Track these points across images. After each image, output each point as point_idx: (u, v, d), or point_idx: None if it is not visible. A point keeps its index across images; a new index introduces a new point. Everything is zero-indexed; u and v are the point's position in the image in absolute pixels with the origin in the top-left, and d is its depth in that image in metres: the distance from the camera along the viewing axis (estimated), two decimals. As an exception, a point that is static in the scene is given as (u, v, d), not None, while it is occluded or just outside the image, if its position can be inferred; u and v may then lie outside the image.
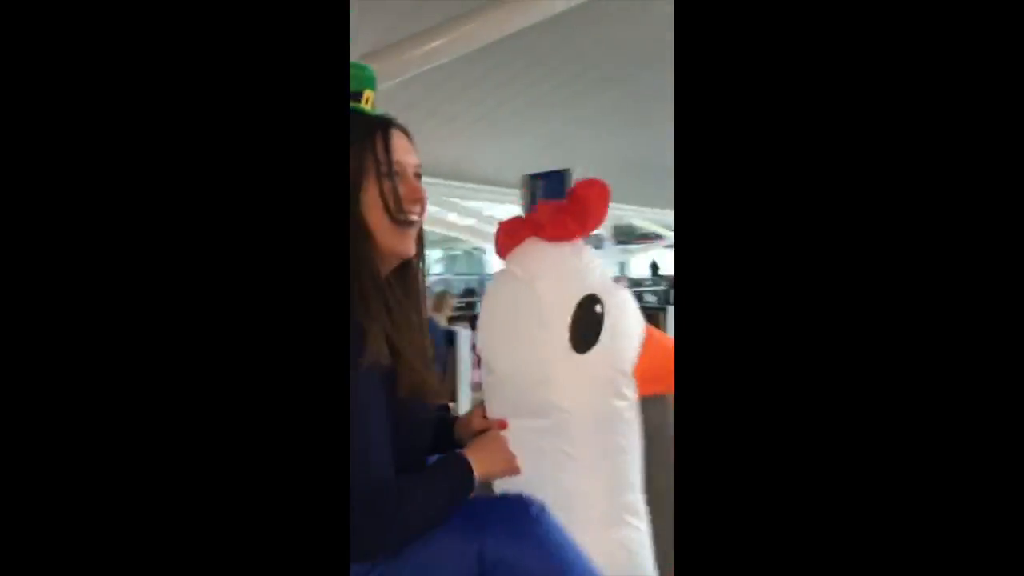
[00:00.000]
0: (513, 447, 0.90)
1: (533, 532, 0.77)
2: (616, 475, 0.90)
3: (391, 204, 0.81)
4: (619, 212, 9.78)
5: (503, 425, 0.92)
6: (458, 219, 9.21)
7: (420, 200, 0.85)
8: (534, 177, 1.99)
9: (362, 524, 0.66)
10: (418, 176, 0.87)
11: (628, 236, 11.52)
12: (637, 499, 0.92)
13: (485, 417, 0.96)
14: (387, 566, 0.73)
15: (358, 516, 0.62)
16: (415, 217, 0.85)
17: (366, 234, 0.81)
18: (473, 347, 2.21)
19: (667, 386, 0.92)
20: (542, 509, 0.80)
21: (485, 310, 0.99)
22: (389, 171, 0.82)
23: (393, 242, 0.83)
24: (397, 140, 0.84)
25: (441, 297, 4.77)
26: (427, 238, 0.92)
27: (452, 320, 4.26)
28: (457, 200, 8.29)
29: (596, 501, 0.89)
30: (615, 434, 0.90)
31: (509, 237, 0.98)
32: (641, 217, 10.61)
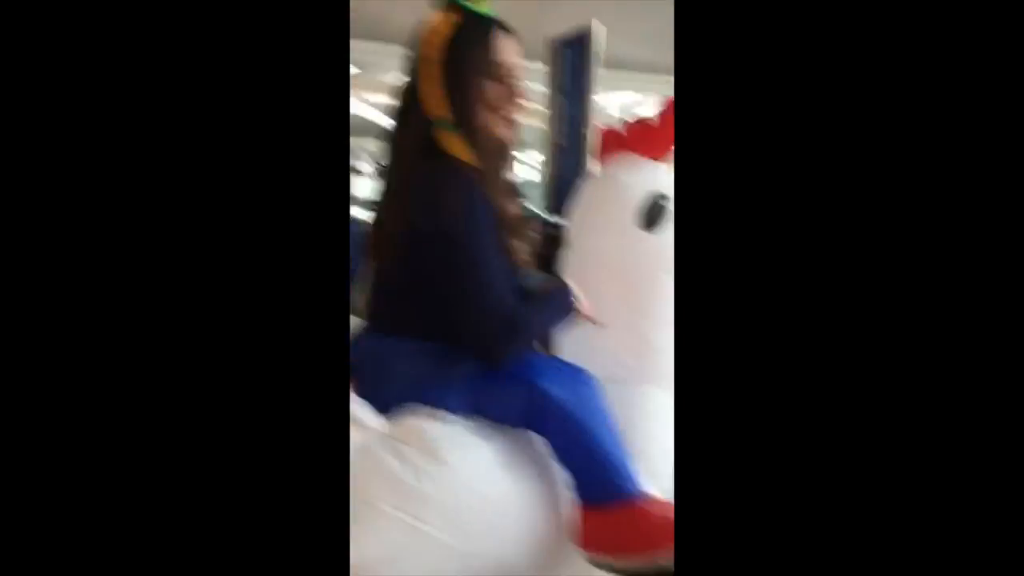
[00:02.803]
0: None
1: (583, 391, 0.92)
2: (652, 339, 1.08)
3: (493, 103, 0.94)
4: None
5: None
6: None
7: (518, 101, 0.98)
8: (564, 45, 1.88)
9: (485, 342, 0.89)
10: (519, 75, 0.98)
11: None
12: (665, 363, 1.03)
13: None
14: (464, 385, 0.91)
15: (481, 335, 0.88)
16: (514, 114, 0.99)
17: (469, 122, 0.93)
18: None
19: None
20: (597, 382, 0.95)
21: (579, 202, 1.19)
22: (491, 72, 0.93)
23: (493, 130, 0.96)
24: (501, 42, 0.95)
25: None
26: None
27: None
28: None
29: (656, 366, 1.06)
30: (662, 304, 1.05)
31: (607, 148, 1.18)
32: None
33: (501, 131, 0.98)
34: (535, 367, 0.94)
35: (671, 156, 1.11)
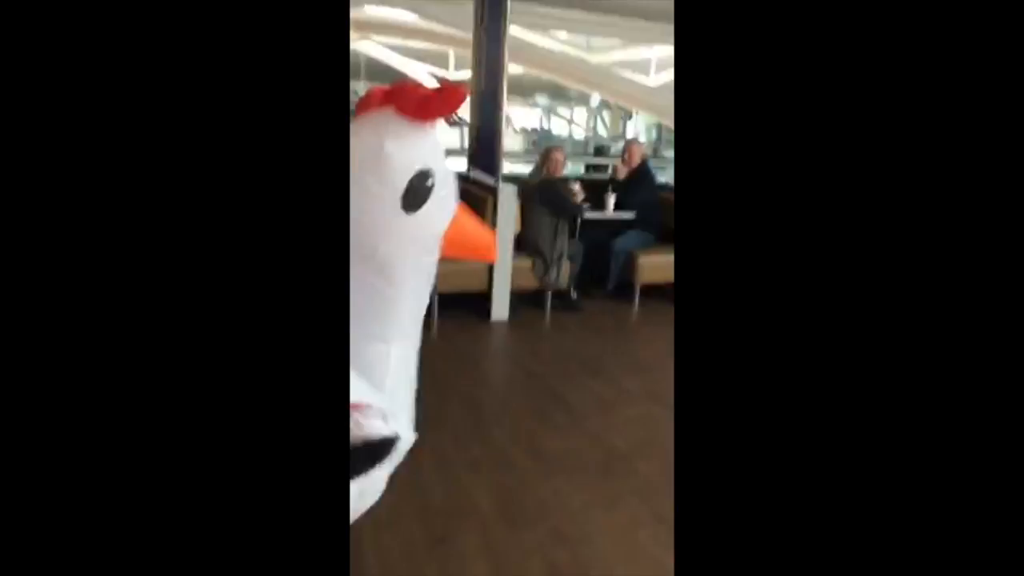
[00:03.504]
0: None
1: None
2: (413, 311, 1.20)
3: None
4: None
5: None
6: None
7: None
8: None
9: None
10: None
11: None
12: (416, 332, 1.23)
13: None
14: None
15: None
16: None
17: None
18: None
19: (462, 253, 1.23)
20: None
21: None
22: None
23: None
24: None
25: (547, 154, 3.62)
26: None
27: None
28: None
29: (397, 327, 1.18)
30: (420, 281, 1.18)
31: (367, 104, 1.13)
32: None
33: None
34: None
35: (436, 122, 1.11)
